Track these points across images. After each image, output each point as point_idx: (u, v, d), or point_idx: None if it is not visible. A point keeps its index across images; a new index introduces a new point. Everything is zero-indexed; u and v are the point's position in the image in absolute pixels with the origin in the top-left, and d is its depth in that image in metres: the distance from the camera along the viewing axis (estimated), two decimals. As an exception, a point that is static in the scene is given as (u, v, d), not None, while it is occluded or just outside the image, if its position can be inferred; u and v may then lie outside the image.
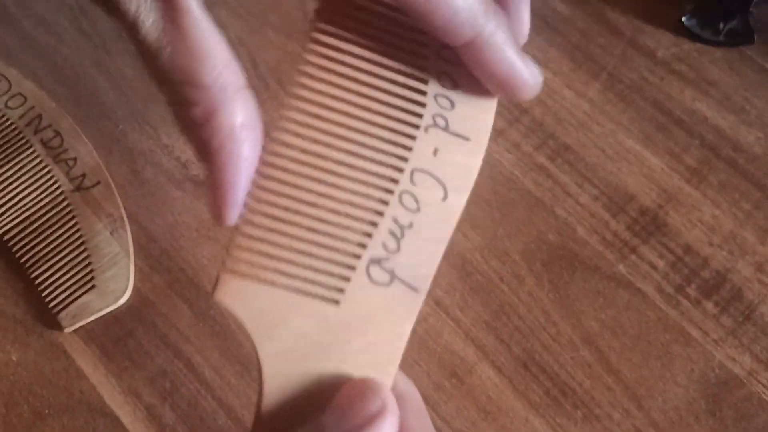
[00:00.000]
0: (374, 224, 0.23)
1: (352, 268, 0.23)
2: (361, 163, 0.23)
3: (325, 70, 0.23)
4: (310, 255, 0.23)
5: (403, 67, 0.24)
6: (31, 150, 0.37)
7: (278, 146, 0.23)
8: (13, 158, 0.36)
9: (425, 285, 0.24)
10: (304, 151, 0.23)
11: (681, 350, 0.35)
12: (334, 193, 0.23)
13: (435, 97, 0.24)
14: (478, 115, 0.24)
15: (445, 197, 0.24)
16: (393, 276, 0.23)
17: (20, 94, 0.38)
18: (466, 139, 0.24)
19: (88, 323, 0.34)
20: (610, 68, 0.44)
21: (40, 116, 0.38)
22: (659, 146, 0.41)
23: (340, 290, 0.23)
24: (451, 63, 0.24)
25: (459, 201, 0.24)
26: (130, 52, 0.41)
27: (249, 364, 0.34)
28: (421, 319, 0.35)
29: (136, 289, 0.35)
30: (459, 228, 0.23)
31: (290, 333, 0.23)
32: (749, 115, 0.43)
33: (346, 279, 0.23)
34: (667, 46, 0.45)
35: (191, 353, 0.34)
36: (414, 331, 0.35)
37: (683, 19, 0.45)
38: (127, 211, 0.37)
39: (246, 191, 0.22)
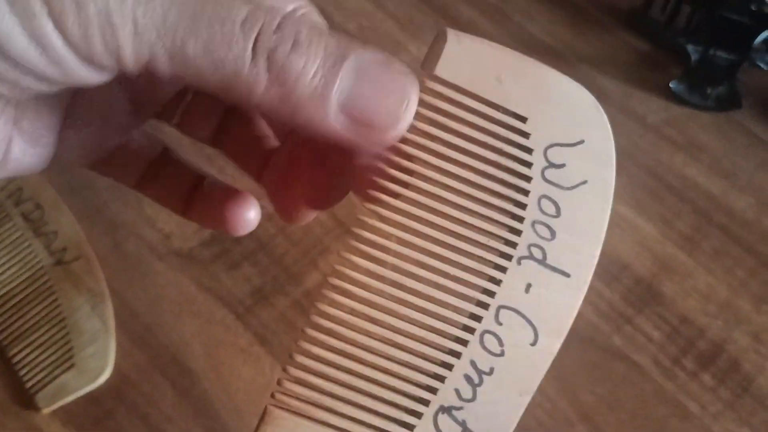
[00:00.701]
0: (448, 366, 0.21)
1: (418, 414, 0.21)
2: (439, 294, 0.21)
3: (405, 185, 0.21)
4: (370, 395, 0.21)
5: (497, 187, 0.21)
6: (11, 224, 0.37)
7: (345, 268, 0.21)
8: (-8, 233, 0.36)
9: None
10: (374, 275, 0.21)
11: (679, 425, 0.35)
12: (403, 327, 0.21)
13: (533, 224, 0.21)
14: (582, 248, 0.21)
15: (535, 341, 0.21)
16: (465, 429, 0.21)
17: (1, 166, 0.38)
18: (566, 275, 0.21)
19: (67, 403, 0.34)
20: (600, 134, 0.45)
21: (21, 188, 0.38)
22: (652, 213, 0.42)
23: None
24: (556, 185, 0.21)
25: (551, 347, 0.21)
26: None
27: (234, 445, 0.34)
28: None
29: (116, 367, 0.35)
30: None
31: None
32: (739, 179, 0.43)
33: (410, 427, 0.21)
34: (656, 111, 0.46)
35: (173, 434, 0.33)
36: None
37: (671, 84, 0.46)
38: (108, 284, 0.36)
39: None
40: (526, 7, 0.51)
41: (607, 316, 0.38)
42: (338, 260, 0.21)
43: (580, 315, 0.38)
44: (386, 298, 0.21)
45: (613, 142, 0.21)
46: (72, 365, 0.34)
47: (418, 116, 0.20)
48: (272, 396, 0.20)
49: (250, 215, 0.25)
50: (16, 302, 0.35)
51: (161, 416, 0.34)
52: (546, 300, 0.21)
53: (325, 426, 0.20)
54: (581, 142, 0.21)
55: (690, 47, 0.47)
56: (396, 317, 0.21)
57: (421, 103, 0.21)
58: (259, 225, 0.39)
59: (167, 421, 0.34)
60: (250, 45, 0.18)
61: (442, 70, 0.20)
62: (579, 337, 0.37)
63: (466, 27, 0.49)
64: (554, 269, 0.21)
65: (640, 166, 0.43)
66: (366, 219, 0.21)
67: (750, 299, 0.39)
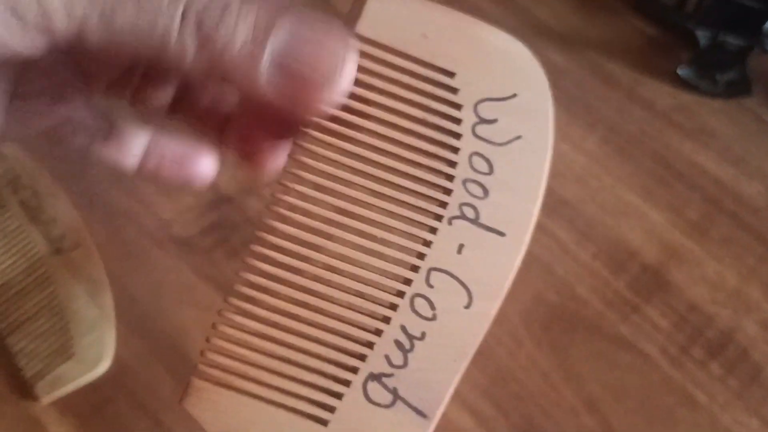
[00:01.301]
0: (378, 332, 0.20)
1: (347, 383, 0.20)
2: (365, 258, 0.20)
3: (328, 146, 0.20)
4: (297, 365, 0.20)
5: (425, 146, 0.21)
6: (9, 213, 0.37)
7: (267, 234, 0.20)
8: (-11, 222, 0.37)
9: (437, 410, 0.21)
10: (296, 240, 0.20)
11: (686, 414, 0.35)
12: (330, 293, 0.20)
13: (464, 182, 0.21)
14: (517, 206, 0.21)
15: (469, 304, 0.21)
16: (396, 396, 0.20)
17: (-1, 153, 0.39)
18: (501, 234, 0.21)
19: (67, 393, 0.34)
20: (608, 120, 0.45)
21: (19, 176, 0.38)
22: (659, 200, 0.42)
23: (331, 409, 0.20)
24: (488, 142, 0.21)
25: (487, 310, 0.21)
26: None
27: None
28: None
29: (117, 356, 0.35)
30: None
31: None
32: (749, 166, 0.43)
33: (338, 396, 0.20)
34: (664, 97, 0.46)
35: (171, 423, 0.33)
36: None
37: (679, 70, 0.46)
38: (107, 272, 0.36)
39: None
40: (532, -9, 0.50)
41: (614, 304, 0.38)
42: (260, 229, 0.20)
43: (585, 303, 0.38)
44: (310, 264, 0.20)
45: (550, 95, 0.21)
46: (71, 354, 0.34)
47: None
48: (195, 368, 0.20)
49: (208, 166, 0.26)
50: (14, 292, 0.35)
51: (160, 405, 0.34)
52: (480, 261, 0.20)
53: (250, 396, 0.20)
54: (514, 96, 0.21)
55: (699, 32, 0.47)
56: (319, 282, 0.20)
57: None
58: (259, 213, 0.39)
59: (166, 410, 0.34)
60: (179, 14, 0.18)
61: (363, 27, 0.20)
62: (585, 325, 0.37)
63: (471, 11, 0.48)
64: (488, 228, 0.21)
65: (648, 153, 0.43)
66: (291, 184, 0.20)
67: (760, 287, 0.39)
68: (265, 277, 0.20)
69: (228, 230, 0.39)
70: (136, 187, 0.40)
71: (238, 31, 0.18)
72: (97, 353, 0.34)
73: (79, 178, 0.40)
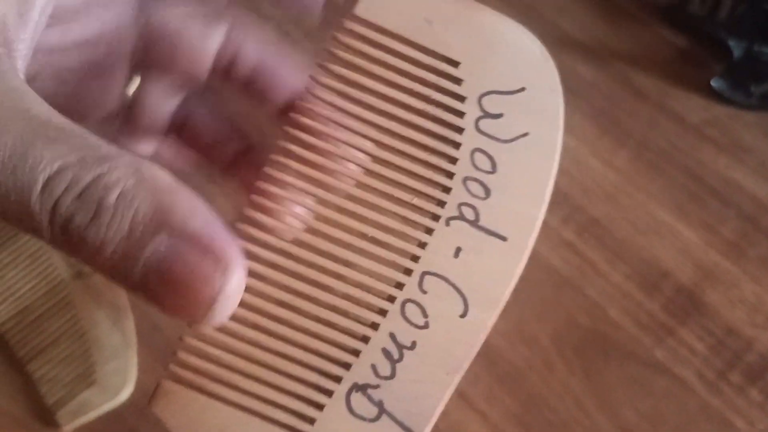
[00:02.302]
0: (364, 339, 0.19)
1: (329, 393, 0.19)
2: (353, 257, 0.19)
3: (320, 134, 0.20)
4: (276, 371, 0.19)
5: (423, 139, 0.20)
6: (28, 236, 0.37)
7: (249, 228, 0.19)
8: (10, 245, 0.37)
9: (425, 427, 0.20)
10: (280, 237, 0.19)
11: (726, 443, 0.35)
12: (314, 295, 0.19)
13: (464, 180, 0.20)
14: (521, 209, 0.19)
15: (464, 313, 0.19)
16: (381, 409, 0.19)
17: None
18: (502, 238, 0.19)
19: (89, 421, 0.34)
20: (638, 135, 0.44)
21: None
22: (693, 218, 0.41)
23: (310, 420, 0.19)
24: (492, 138, 0.20)
25: (484, 319, 0.19)
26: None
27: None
28: (444, 415, 0.35)
29: (139, 383, 0.35)
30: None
31: None
32: (787, 182, 0.43)
33: (319, 406, 0.19)
34: (696, 110, 0.45)
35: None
36: (436, 429, 0.34)
37: (712, 82, 0.45)
38: (129, 298, 0.37)
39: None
40: (558, 2, 0.50)
41: (648, 327, 0.37)
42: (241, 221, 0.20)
43: (618, 326, 0.38)
44: (294, 261, 0.19)
45: (561, 91, 0.20)
46: (93, 381, 0.34)
47: (335, 59, 0.20)
48: (166, 368, 0.19)
49: None
50: (35, 317, 0.35)
51: (185, 434, 0.34)
52: (478, 266, 0.19)
53: (224, 402, 0.19)
54: (522, 90, 0.20)
55: (732, 42, 0.46)
56: (302, 281, 0.19)
57: (340, 45, 0.20)
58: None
59: (191, 440, 0.34)
60: (47, 217, 0.17)
61: (362, 9, 0.20)
62: (618, 350, 0.37)
63: (496, 24, 0.48)
64: (488, 232, 0.19)
65: (680, 169, 0.43)
66: (277, 174, 0.20)
67: (800, 309, 0.38)
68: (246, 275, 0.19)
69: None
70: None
71: (105, 244, 0.17)
72: (120, 381, 0.34)
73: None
